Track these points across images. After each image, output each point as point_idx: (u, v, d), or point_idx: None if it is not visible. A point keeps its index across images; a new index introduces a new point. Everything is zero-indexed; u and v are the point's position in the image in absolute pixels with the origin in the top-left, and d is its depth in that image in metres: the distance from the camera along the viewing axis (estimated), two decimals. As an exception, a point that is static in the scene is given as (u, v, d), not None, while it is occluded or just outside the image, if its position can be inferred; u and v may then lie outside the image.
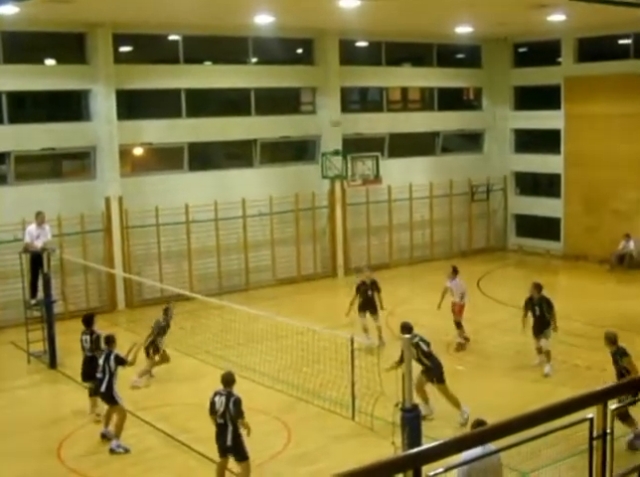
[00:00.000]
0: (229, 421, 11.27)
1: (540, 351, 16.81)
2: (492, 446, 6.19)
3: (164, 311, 17.12)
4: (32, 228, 18.94)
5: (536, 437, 6.09)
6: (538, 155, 30.14)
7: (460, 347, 18.29)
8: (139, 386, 16.28)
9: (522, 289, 24.55)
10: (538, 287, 17.17)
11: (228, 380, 11.56)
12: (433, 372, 14.06)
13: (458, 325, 18.51)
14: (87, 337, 15.23)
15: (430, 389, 14.36)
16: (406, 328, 14.00)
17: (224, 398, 11.33)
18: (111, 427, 13.59)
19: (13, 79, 21.48)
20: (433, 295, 19.45)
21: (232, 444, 11.33)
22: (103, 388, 13.55)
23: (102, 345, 14.13)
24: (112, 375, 13.52)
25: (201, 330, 19.96)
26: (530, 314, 16.99)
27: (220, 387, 11.55)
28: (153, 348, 16.77)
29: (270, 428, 14.02)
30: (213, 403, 11.42)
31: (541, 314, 16.87)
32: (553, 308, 16.95)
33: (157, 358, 16.87)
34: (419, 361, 13.92)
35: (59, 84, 22.41)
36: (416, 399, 13.91)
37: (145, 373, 16.54)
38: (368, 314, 18.68)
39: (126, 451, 13.22)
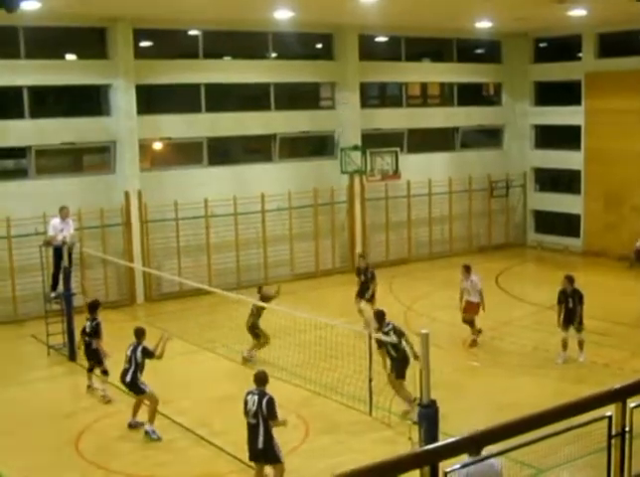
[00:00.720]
0: (261, 421, 10.92)
1: (565, 345, 16.78)
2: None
3: (258, 290, 17.95)
4: (56, 221, 19.05)
5: (554, 434, 6.08)
6: (558, 151, 29.99)
7: (474, 343, 18.20)
8: (249, 358, 17.20)
9: (540, 286, 24.56)
10: (570, 280, 17.38)
11: (261, 378, 11.24)
12: (396, 365, 14.03)
13: (471, 324, 18.32)
14: (89, 323, 15.84)
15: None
16: (380, 316, 14.26)
17: (256, 398, 11.00)
18: (140, 418, 13.88)
19: (34, 74, 21.60)
20: (452, 291, 19.44)
21: (263, 447, 10.94)
22: (128, 378, 13.74)
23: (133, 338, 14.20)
24: (138, 366, 13.73)
25: (219, 324, 20.02)
26: (562, 306, 17.16)
27: (251, 385, 11.31)
28: (253, 330, 17.30)
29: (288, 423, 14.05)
30: (246, 403, 11.10)
31: (573, 306, 17.04)
32: (583, 301, 17.06)
33: (261, 340, 17.32)
34: (388, 352, 14.13)
35: (79, 79, 22.51)
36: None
37: (253, 349, 17.38)
38: (363, 301, 19.58)
39: (159, 439, 13.45)
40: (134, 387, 13.85)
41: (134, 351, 13.80)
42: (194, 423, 14.11)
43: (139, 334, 14.03)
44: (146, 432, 13.62)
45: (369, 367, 14.12)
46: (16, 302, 21.33)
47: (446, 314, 19.79)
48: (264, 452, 11.02)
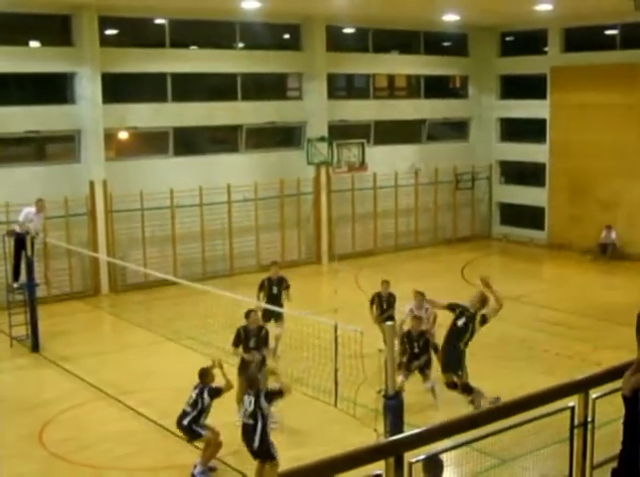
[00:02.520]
0: (259, 421, 10.91)
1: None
2: None
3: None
4: (32, 211, 18.66)
5: (517, 425, 6.13)
6: (523, 144, 30.22)
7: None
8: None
9: (506, 278, 24.73)
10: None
11: (252, 379, 11.31)
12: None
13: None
14: None
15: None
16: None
17: (252, 398, 11.00)
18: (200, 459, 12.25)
19: (-3, 61, 21.31)
20: (417, 283, 19.47)
21: (259, 445, 10.94)
22: (185, 422, 11.98)
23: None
24: (203, 410, 12.02)
25: (184, 315, 19.94)
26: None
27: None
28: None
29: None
30: (242, 400, 11.27)
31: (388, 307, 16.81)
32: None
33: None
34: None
35: (43, 67, 22.22)
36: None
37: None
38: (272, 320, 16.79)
39: None
40: (190, 431, 12.08)
41: (200, 394, 12.04)
42: (158, 414, 14.03)
43: (204, 375, 12.21)
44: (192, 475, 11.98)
45: (334, 358, 14.12)
46: (-22, 292, 21.05)
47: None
48: (261, 449, 11.04)
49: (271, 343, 15.57)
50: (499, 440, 6.51)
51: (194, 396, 12.03)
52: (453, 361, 13.51)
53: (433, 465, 6.08)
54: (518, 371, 15.97)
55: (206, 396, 11.97)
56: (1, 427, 13.66)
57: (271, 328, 15.98)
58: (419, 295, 15.60)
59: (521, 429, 6.26)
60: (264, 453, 11.10)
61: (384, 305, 17.00)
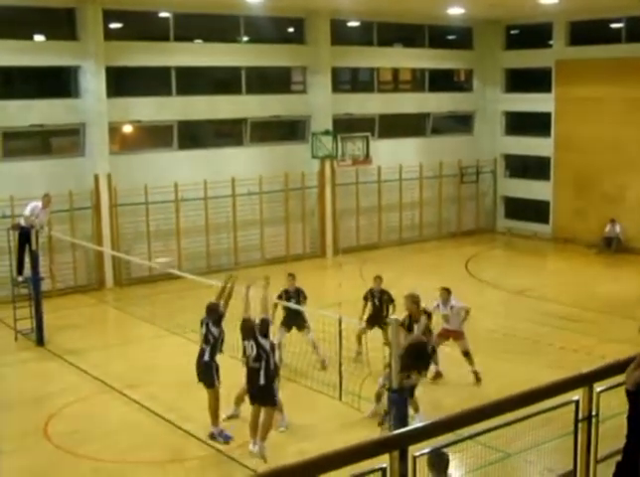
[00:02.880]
0: (263, 364, 11.48)
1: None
2: None
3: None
4: (38, 206, 18.63)
5: (522, 419, 6.13)
6: (528, 138, 30.16)
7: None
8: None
9: (510, 271, 24.73)
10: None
11: (247, 328, 11.89)
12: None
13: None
14: None
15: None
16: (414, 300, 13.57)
17: (253, 343, 11.55)
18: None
19: (2, 55, 21.26)
20: (422, 277, 19.52)
21: (264, 383, 11.47)
22: (206, 357, 12.63)
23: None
24: (216, 342, 12.65)
25: (189, 309, 19.92)
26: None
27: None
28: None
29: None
30: (244, 348, 11.77)
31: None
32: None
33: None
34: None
35: (48, 61, 22.21)
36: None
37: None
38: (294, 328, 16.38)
39: (227, 441, 12.54)
40: (209, 369, 12.56)
41: (207, 327, 12.64)
42: (163, 408, 14.06)
43: (209, 310, 12.79)
44: (212, 436, 12.58)
45: (339, 352, 14.14)
46: (-17, 286, 21.09)
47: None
48: (262, 392, 11.51)
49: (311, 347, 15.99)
50: (503, 434, 6.51)
51: (204, 331, 12.65)
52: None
53: (438, 460, 6.08)
54: (522, 364, 15.96)
55: (212, 327, 12.60)
56: (6, 420, 13.70)
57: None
58: (445, 292, 15.32)
59: (525, 423, 6.26)
60: (266, 394, 11.49)
61: (376, 302, 16.38)
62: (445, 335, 15.43)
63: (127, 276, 23.46)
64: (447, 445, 6.09)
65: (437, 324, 15.05)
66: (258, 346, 11.59)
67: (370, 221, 28.42)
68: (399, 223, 29.12)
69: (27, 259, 18.57)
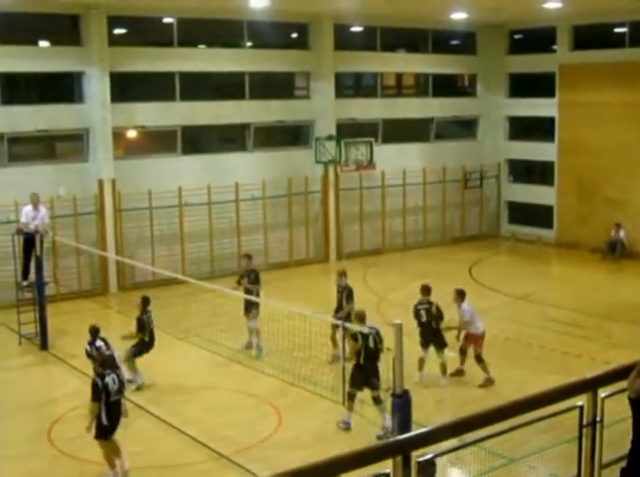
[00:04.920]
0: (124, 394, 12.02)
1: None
2: None
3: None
4: (28, 208, 18.82)
5: (525, 424, 6.11)
6: (531, 143, 30.15)
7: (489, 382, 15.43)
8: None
9: (513, 277, 24.70)
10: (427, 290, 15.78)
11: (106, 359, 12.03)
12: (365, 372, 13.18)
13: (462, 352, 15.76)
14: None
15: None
16: (360, 318, 13.43)
17: (114, 376, 11.56)
18: None
19: (7, 61, 21.33)
20: (425, 281, 19.42)
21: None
22: None
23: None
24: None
25: (192, 314, 19.95)
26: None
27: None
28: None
29: (261, 412, 14.07)
30: (106, 383, 11.47)
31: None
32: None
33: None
34: (358, 353, 13.10)
35: (52, 66, 22.27)
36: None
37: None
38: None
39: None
40: None
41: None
42: (166, 412, 14.06)
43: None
44: None
45: (342, 356, 14.13)
46: (-13, 291, 21.13)
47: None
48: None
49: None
50: (507, 439, 6.50)
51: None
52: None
53: (426, 465, 6.05)
54: (526, 370, 15.94)
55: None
56: (10, 425, 13.71)
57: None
58: (455, 293, 15.58)
59: (529, 428, 6.24)
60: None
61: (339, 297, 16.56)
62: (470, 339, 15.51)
63: (131, 281, 23.46)
64: (451, 450, 6.08)
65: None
66: (120, 380, 11.76)
67: (373, 226, 28.41)
68: (402, 228, 29.11)
69: (32, 264, 18.61)
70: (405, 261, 27.02)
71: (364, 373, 13.11)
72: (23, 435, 13.27)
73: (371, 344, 12.98)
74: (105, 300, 22.61)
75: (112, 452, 11.64)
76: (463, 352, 15.62)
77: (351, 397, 13.25)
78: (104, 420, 11.31)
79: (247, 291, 17.11)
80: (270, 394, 14.91)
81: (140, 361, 15.59)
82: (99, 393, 11.24)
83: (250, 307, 16.97)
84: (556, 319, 19.70)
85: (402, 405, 9.86)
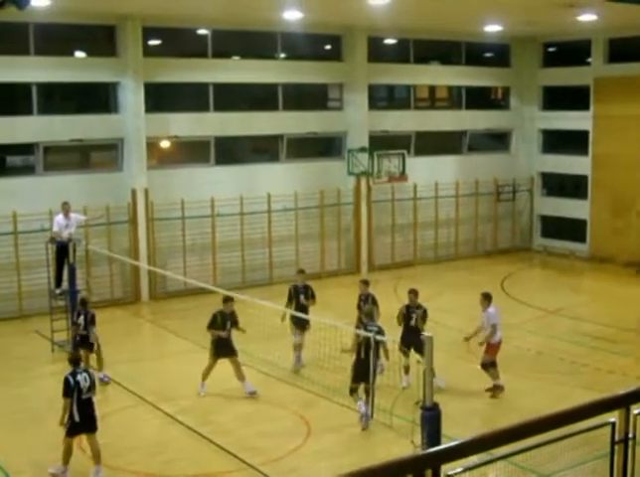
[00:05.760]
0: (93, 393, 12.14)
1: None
2: None
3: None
4: (60, 217, 19.11)
5: (557, 440, 6.06)
6: (565, 156, 29.93)
7: (498, 390, 15.34)
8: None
9: (546, 290, 24.52)
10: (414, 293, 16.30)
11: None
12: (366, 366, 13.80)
13: (489, 365, 15.38)
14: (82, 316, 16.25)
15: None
16: (368, 315, 14.24)
17: (85, 374, 12.09)
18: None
19: (43, 71, 21.64)
20: (457, 294, 19.43)
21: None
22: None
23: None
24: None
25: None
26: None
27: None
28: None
29: (290, 424, 14.07)
30: (78, 381, 11.91)
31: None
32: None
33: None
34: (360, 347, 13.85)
35: (88, 77, 22.53)
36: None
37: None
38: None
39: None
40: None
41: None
42: (195, 422, 14.11)
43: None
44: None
45: (372, 369, 14.10)
46: (21, 298, 21.37)
47: (451, 317, 19.78)
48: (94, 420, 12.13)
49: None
50: (537, 455, 6.45)
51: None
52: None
53: None
54: (557, 385, 15.81)
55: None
56: (41, 431, 13.81)
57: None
58: (481, 296, 15.81)
59: (560, 444, 6.19)
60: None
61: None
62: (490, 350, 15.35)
63: (163, 290, 23.61)
64: (480, 465, 6.04)
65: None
66: (91, 379, 12.18)
67: (405, 238, 28.36)
68: (434, 240, 29.03)
69: (65, 272, 18.82)
70: (437, 274, 26.92)
71: (365, 366, 13.77)
72: (55, 442, 13.35)
73: (372, 339, 13.57)
74: (137, 309, 22.76)
75: (66, 453, 12.05)
76: (492, 364, 15.26)
77: (353, 392, 14.00)
78: (76, 417, 11.87)
79: (303, 307, 16.87)
80: (299, 405, 14.90)
81: (169, 371, 15.65)
82: (71, 390, 11.90)
83: (305, 323, 16.83)
84: (588, 334, 19.52)
85: (432, 418, 9.82)
